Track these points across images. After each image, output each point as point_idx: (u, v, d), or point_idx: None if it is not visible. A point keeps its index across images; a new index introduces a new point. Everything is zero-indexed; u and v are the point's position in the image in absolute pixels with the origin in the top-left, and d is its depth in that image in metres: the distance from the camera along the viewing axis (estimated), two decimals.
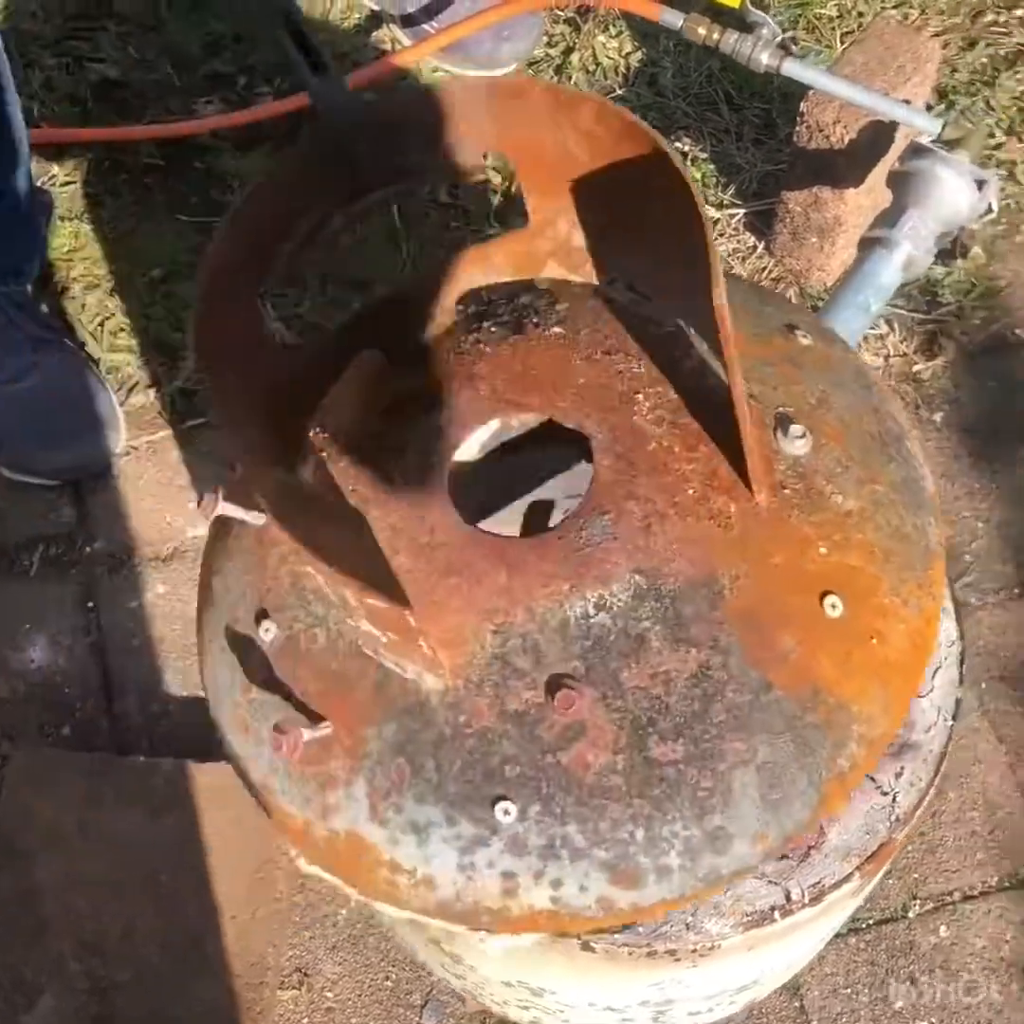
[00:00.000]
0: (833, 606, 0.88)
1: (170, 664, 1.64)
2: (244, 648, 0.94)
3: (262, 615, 0.92)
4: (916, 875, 1.52)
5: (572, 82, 2.01)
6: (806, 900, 0.96)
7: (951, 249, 1.84)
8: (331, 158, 0.92)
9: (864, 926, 1.50)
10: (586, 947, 0.95)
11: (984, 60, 1.99)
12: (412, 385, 0.96)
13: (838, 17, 2.04)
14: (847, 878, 0.96)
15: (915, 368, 1.78)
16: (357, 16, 2.08)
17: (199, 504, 0.89)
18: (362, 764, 0.87)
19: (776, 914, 0.95)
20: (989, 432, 1.75)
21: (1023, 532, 1.69)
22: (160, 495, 1.74)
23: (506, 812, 0.84)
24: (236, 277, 0.89)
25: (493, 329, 0.97)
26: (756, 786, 0.86)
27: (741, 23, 1.68)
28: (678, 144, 1.94)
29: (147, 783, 1.52)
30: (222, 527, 1.00)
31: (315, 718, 0.89)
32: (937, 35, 2.00)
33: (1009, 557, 1.68)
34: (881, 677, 0.89)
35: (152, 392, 1.80)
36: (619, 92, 1.99)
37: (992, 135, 1.92)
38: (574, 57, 2.02)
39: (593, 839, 0.85)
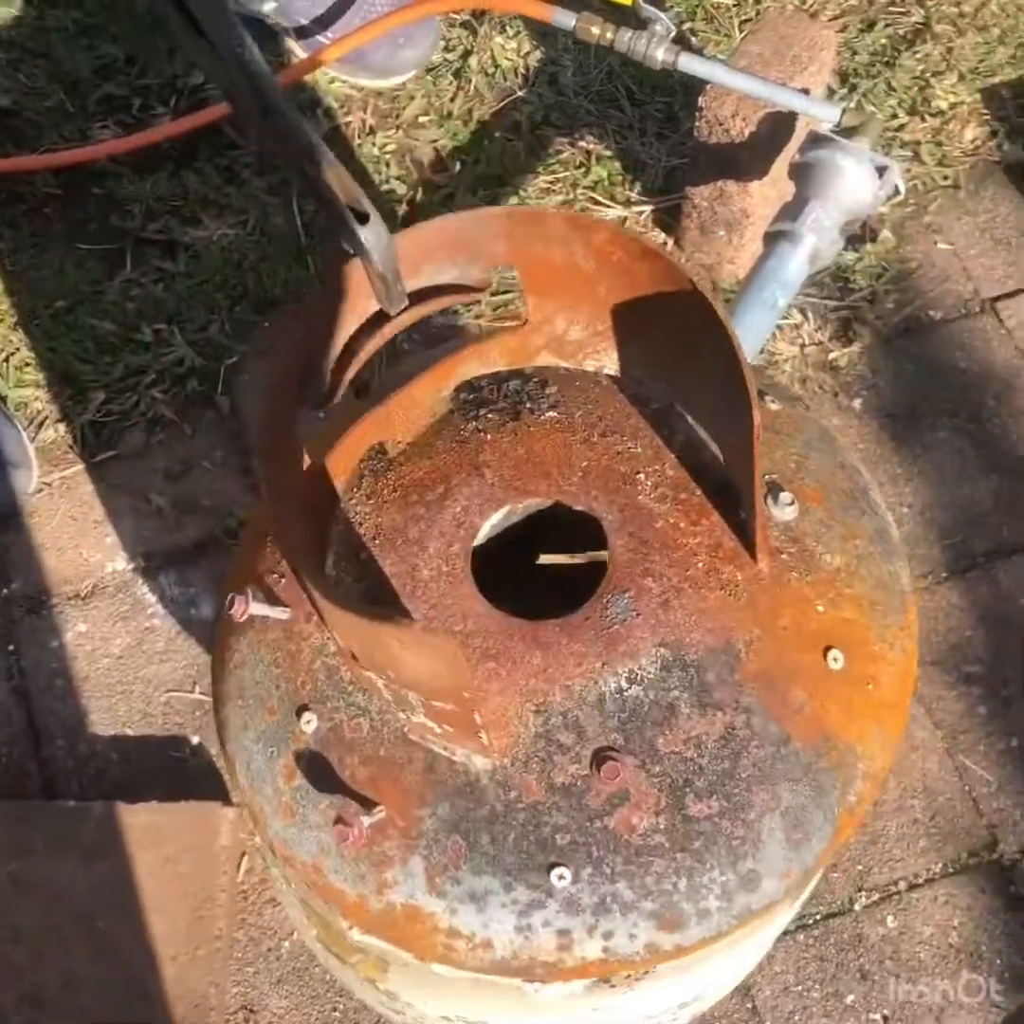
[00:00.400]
0: (835, 659, 0.97)
1: (96, 704, 1.61)
2: (283, 739, 0.97)
3: (302, 708, 0.96)
4: (860, 867, 1.53)
5: (472, 85, 1.99)
6: (748, 921, 0.95)
7: (860, 234, 1.85)
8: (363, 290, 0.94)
9: (812, 922, 1.49)
10: (519, 991, 0.94)
11: (883, 41, 1.99)
12: (418, 475, 1.01)
13: (735, 5, 2.03)
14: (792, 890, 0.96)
15: (831, 356, 1.77)
16: (251, 30, 2.05)
17: (231, 607, 0.93)
18: (417, 843, 0.92)
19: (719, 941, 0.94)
20: (908, 416, 1.75)
21: (946, 515, 1.70)
22: (76, 531, 1.70)
23: (561, 877, 0.90)
24: (288, 393, 0.93)
25: (490, 416, 1.03)
26: (782, 830, 0.94)
27: (636, 20, 1.67)
28: (582, 142, 1.93)
29: (78, 827, 1.48)
30: (242, 623, 1.01)
31: (366, 803, 0.92)
32: (835, 18, 2.00)
33: (934, 540, 1.68)
34: (878, 718, 0.99)
35: (62, 426, 1.76)
36: (520, 93, 1.97)
37: (895, 116, 1.92)
38: (472, 60, 2.00)
39: (640, 892, 0.91)
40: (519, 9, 1.74)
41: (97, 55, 2.02)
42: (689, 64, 1.63)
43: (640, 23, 1.66)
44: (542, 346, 1.05)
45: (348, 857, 0.92)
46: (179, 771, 1.57)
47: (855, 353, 1.78)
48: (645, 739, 0.92)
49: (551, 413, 1.02)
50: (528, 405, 1.02)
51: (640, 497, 0.98)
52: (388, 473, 1.02)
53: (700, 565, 0.96)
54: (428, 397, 1.03)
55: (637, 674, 0.93)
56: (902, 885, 1.52)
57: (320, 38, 1.97)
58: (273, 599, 0.98)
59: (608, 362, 1.04)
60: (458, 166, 1.92)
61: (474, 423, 1.02)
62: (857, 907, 1.51)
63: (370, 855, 0.92)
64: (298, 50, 2.01)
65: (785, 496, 1.01)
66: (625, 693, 0.92)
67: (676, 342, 0.97)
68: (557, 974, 0.91)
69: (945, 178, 1.90)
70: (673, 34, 1.65)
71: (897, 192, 1.75)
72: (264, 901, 1.49)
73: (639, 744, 0.92)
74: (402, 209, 1.90)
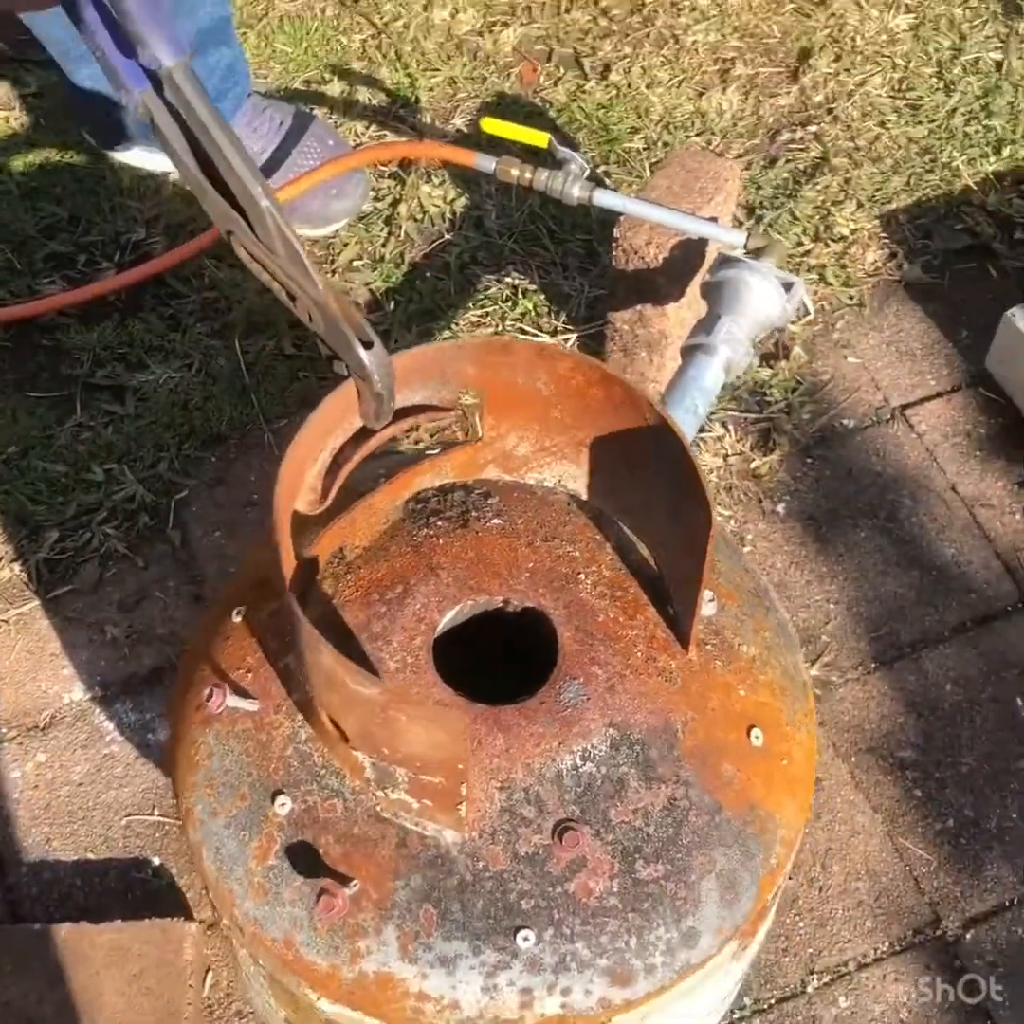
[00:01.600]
0: (756, 737, 1.07)
1: (58, 831, 1.64)
2: (256, 822, 1.03)
3: (277, 792, 1.02)
4: (810, 949, 1.57)
5: (402, 230, 2.10)
6: (689, 975, 1.00)
7: (774, 351, 1.96)
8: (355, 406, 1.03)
9: (766, 1006, 1.53)
10: None
11: (785, 175, 2.13)
12: (377, 576, 1.09)
13: (645, 149, 2.16)
14: (725, 946, 1.01)
15: (753, 464, 1.87)
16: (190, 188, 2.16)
17: (208, 700, 1.01)
18: (391, 913, 0.98)
19: (662, 994, 0.99)
20: (830, 518, 1.84)
21: (872, 609, 1.78)
22: (32, 664, 1.75)
23: (525, 938, 0.97)
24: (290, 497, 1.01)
25: (440, 523, 1.11)
26: (717, 890, 1.02)
27: (552, 160, 1.79)
28: (508, 278, 2.04)
29: (44, 949, 1.50)
30: (212, 716, 1.08)
31: (342, 878, 0.98)
32: (739, 156, 2.13)
33: (861, 634, 1.76)
34: (791, 790, 1.09)
35: (17, 565, 1.82)
36: (448, 236, 2.08)
37: (800, 243, 2.04)
38: (402, 208, 2.12)
39: (596, 951, 0.98)
40: (444, 156, 1.86)
41: (42, 215, 2.12)
42: (603, 198, 1.75)
43: (556, 163, 1.78)
44: (490, 460, 1.14)
45: (321, 930, 0.98)
46: (142, 891, 1.60)
47: (776, 461, 1.88)
48: (599, 810, 1.00)
49: (496, 521, 1.10)
50: (474, 513, 1.11)
51: (582, 594, 1.07)
52: (348, 575, 1.09)
53: (639, 654, 1.05)
54: (386, 506, 1.10)
55: (590, 752, 1.01)
56: (852, 965, 1.57)
57: None
58: (241, 693, 1.04)
59: (549, 475, 1.13)
60: (393, 305, 2.02)
61: (426, 529, 1.10)
62: (809, 989, 1.55)
63: (345, 927, 0.97)
64: None
65: (707, 593, 1.10)
66: (580, 769, 1.01)
67: (621, 457, 1.07)
68: None
69: (850, 298, 2.03)
70: (588, 172, 1.77)
71: (806, 311, 1.87)
72: (230, 1014, 1.52)
73: (594, 815, 1.00)
74: None
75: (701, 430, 1.83)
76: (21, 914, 1.58)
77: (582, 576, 1.07)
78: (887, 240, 2.08)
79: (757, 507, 1.85)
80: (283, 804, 1.01)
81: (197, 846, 1.05)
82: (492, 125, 1.83)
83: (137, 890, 1.61)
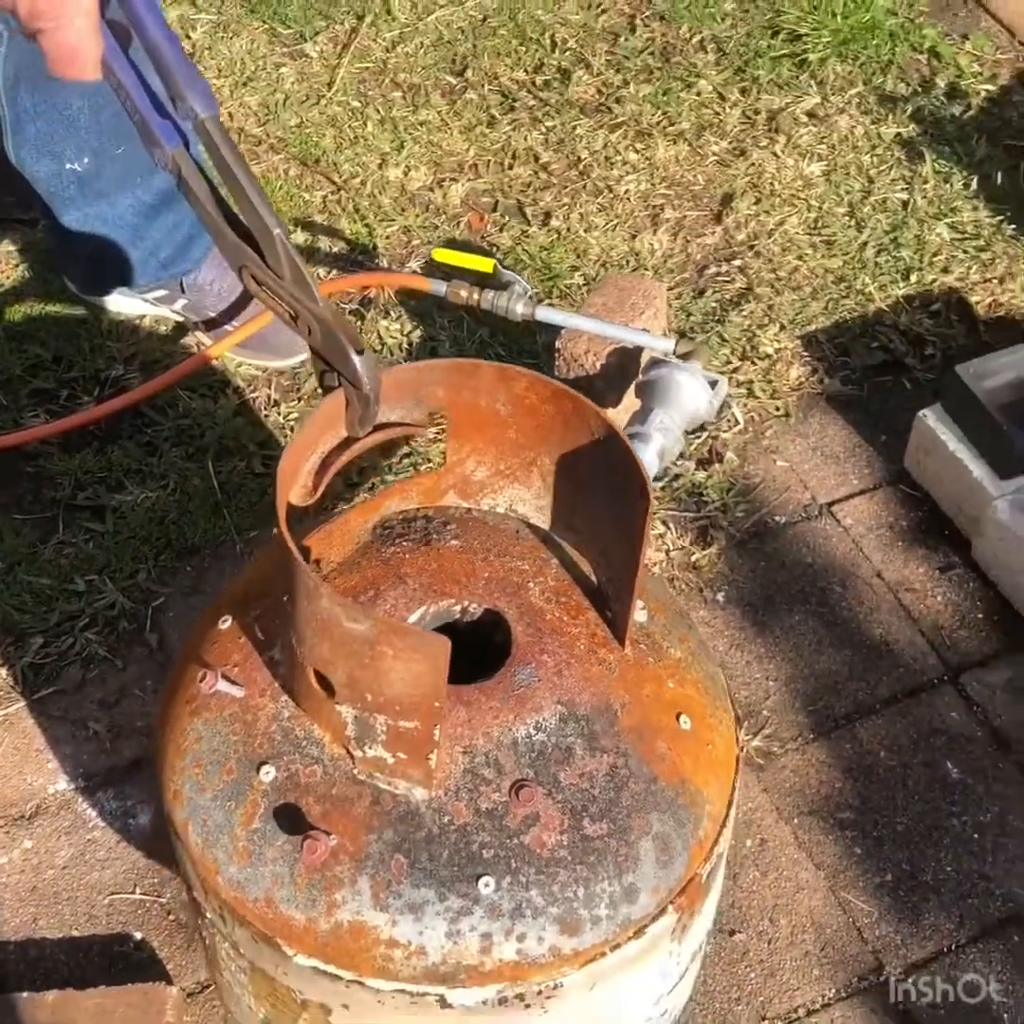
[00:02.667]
0: (685, 722, 1.20)
1: (44, 910, 1.72)
2: (241, 792, 1.14)
3: (261, 763, 1.14)
4: (762, 998, 1.66)
5: None
6: (631, 934, 1.10)
7: (709, 457, 2.12)
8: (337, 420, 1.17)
9: None
10: (444, 1004, 1.08)
11: (713, 304, 2.32)
12: (350, 584, 1.21)
13: (584, 284, 2.35)
14: (663, 911, 1.12)
15: (694, 558, 2.01)
16: (164, 328, 2.33)
17: (201, 681, 1.15)
18: (365, 864, 1.09)
19: (606, 949, 1.10)
20: (766, 604, 1.98)
21: (808, 685, 1.90)
22: (19, 760, 1.85)
23: (486, 884, 1.08)
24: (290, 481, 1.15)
25: (405, 543, 1.25)
26: (653, 851, 1.13)
27: (498, 284, 1.97)
28: None
29: (33, 1016, 1.57)
30: (200, 707, 1.20)
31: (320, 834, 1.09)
32: (671, 289, 2.32)
33: (799, 708, 1.88)
34: (716, 772, 1.21)
35: (3, 670, 1.93)
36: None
37: (729, 361, 2.22)
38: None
39: (549, 899, 1.09)
40: (399, 283, 2.04)
41: (27, 357, 2.28)
42: (545, 314, 1.93)
43: (502, 285, 1.96)
44: (451, 486, 1.28)
45: (301, 884, 1.08)
46: (124, 964, 1.68)
47: (714, 554, 2.02)
48: (550, 773, 1.12)
49: (454, 541, 1.24)
50: (435, 535, 1.25)
51: (531, 599, 1.21)
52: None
53: (582, 647, 1.19)
54: (357, 526, 1.24)
55: (541, 724, 1.14)
56: (801, 1011, 1.65)
57: (227, 328, 2.25)
58: (229, 680, 1.17)
59: (501, 500, 1.27)
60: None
61: (392, 548, 1.24)
62: None
63: (322, 880, 1.08)
64: (206, 340, 2.28)
65: (638, 603, 1.24)
66: (533, 738, 1.13)
67: (568, 472, 1.21)
68: (478, 978, 1.06)
69: (777, 409, 2.20)
70: (530, 293, 1.96)
71: (736, 420, 2.04)
72: None
73: (546, 777, 1.12)
74: None
75: None
76: (8, 990, 1.65)
77: (531, 585, 1.21)
78: (809, 358, 2.26)
79: (699, 596, 1.98)
80: (268, 772, 1.12)
81: (183, 824, 1.15)
82: (443, 255, 2.01)
83: (120, 963, 1.68)
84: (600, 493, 1.16)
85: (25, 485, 2.14)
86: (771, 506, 2.09)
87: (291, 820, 1.10)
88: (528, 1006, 1.10)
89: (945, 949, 1.70)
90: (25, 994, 1.60)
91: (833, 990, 1.67)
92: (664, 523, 2.05)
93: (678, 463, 2.09)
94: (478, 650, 1.20)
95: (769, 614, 1.98)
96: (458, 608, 1.20)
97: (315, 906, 1.08)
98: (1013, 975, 1.68)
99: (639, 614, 1.23)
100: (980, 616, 1.98)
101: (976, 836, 1.78)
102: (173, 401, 2.21)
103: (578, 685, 1.15)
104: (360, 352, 1.08)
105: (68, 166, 2.00)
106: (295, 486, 1.14)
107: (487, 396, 1.20)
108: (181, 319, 2.31)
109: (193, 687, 1.19)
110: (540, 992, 1.09)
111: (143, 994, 1.60)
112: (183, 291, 2.24)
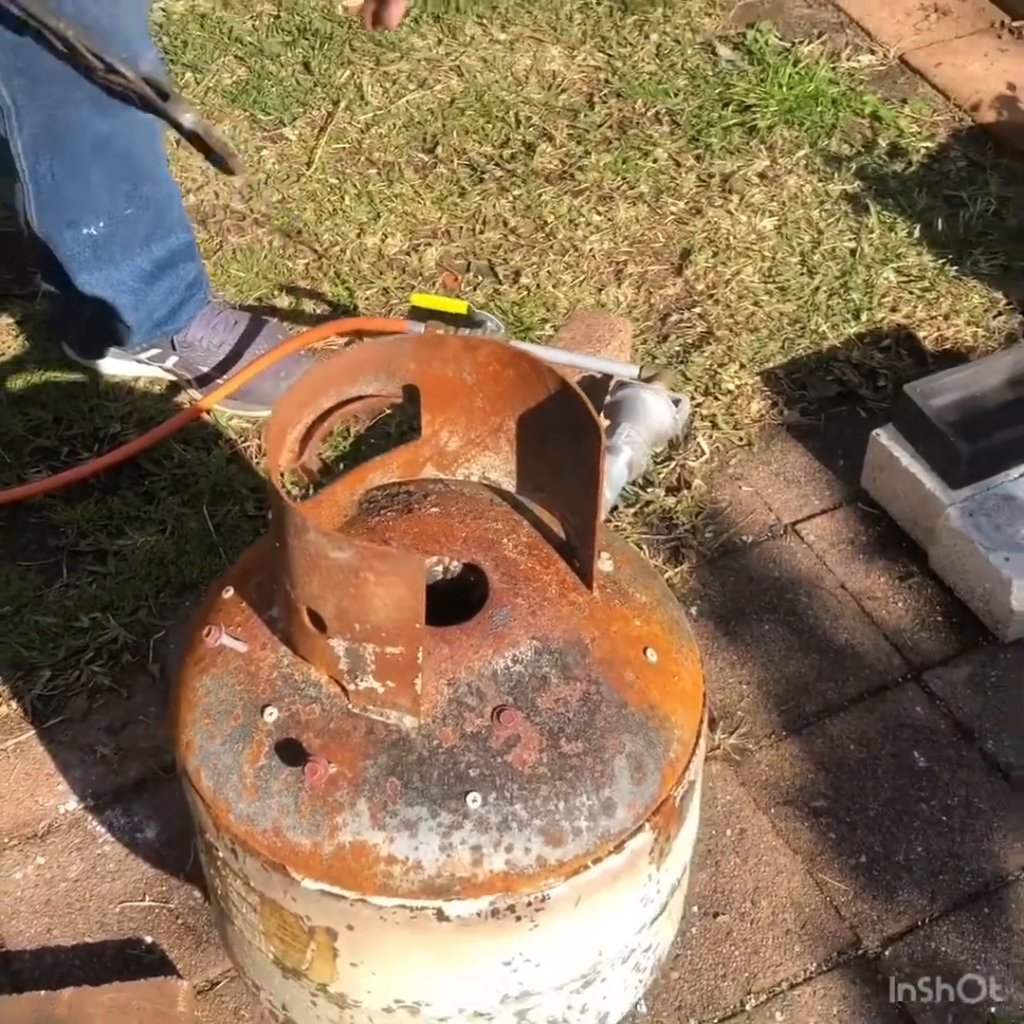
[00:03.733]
0: (651, 654, 1.31)
1: (58, 921, 1.80)
2: (248, 733, 1.25)
3: (265, 706, 1.25)
4: (747, 974, 1.74)
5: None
6: (611, 848, 1.20)
7: (678, 484, 2.24)
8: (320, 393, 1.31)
9: None
10: (441, 916, 1.17)
11: (677, 347, 2.45)
12: None
13: (554, 334, 2.49)
14: (640, 828, 1.21)
15: (667, 575, 2.12)
16: (158, 387, 2.46)
17: (207, 635, 1.26)
18: (362, 788, 1.19)
19: (589, 861, 1.19)
20: (737, 615, 2.09)
21: (779, 688, 2.01)
22: (31, 784, 1.93)
23: (474, 799, 1.18)
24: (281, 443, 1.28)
25: (389, 512, 1.36)
26: (627, 769, 1.24)
27: (471, 323, 2.11)
28: None
29: (50, 1012, 1.64)
30: (208, 665, 1.31)
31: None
32: (636, 336, 2.46)
33: (772, 708, 1.99)
34: (683, 700, 1.32)
35: (13, 703, 2.02)
36: (388, 411, 2.37)
37: (693, 397, 2.35)
38: None
39: (532, 812, 1.19)
40: (377, 327, 2.17)
41: (29, 419, 2.40)
42: (518, 346, 2.06)
43: (475, 324, 2.10)
44: (428, 458, 1.39)
45: (305, 811, 1.18)
46: (137, 966, 1.76)
47: (686, 571, 2.14)
48: (528, 699, 1.23)
49: (434, 508, 1.36)
50: (416, 504, 1.36)
51: (505, 552, 1.32)
52: None
53: (553, 591, 1.30)
54: (345, 497, 1.35)
55: (518, 657, 1.25)
56: (785, 985, 1.73)
57: (219, 382, 2.37)
58: (234, 637, 1.28)
59: (474, 469, 1.38)
60: (342, 468, 2.29)
61: (377, 517, 1.35)
62: (748, 1008, 1.71)
63: (324, 805, 1.18)
64: (198, 396, 2.41)
65: (605, 555, 1.35)
66: (511, 669, 1.24)
67: (532, 432, 1.32)
68: (471, 889, 1.15)
69: (740, 439, 2.33)
70: (502, 331, 2.09)
71: (703, 452, 2.17)
72: None
73: (524, 702, 1.23)
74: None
75: (613, 510, 2.12)
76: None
77: (505, 540, 1.32)
78: (768, 392, 2.40)
79: None
80: (271, 713, 1.22)
81: (196, 771, 1.25)
82: (420, 299, 2.16)
83: (132, 965, 1.76)
84: (560, 445, 1.27)
85: (30, 535, 2.25)
86: (738, 527, 2.21)
87: (293, 753, 1.20)
88: (519, 919, 1.19)
89: (919, 923, 1.79)
90: (42, 992, 1.68)
91: (814, 964, 1.75)
92: (639, 545, 2.17)
93: (649, 490, 2.21)
94: (461, 611, 1.31)
95: (740, 624, 2.09)
96: (440, 567, 1.31)
97: (319, 831, 1.18)
98: (985, 945, 1.76)
99: (606, 564, 1.34)
100: (939, 619, 2.09)
101: (944, 818, 1.88)
102: (169, 453, 2.33)
103: (551, 623, 1.26)
104: (165, 98, 1.22)
105: (85, 231, 2.14)
106: (283, 452, 1.25)
107: (453, 366, 1.31)
108: (173, 377, 2.43)
109: (201, 648, 1.30)
110: (530, 904, 1.18)
111: (156, 988, 1.68)
112: (174, 348, 2.37)
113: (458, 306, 2.13)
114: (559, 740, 1.21)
